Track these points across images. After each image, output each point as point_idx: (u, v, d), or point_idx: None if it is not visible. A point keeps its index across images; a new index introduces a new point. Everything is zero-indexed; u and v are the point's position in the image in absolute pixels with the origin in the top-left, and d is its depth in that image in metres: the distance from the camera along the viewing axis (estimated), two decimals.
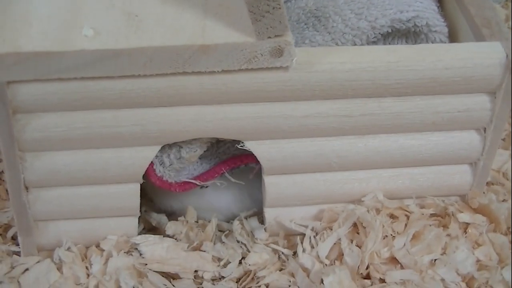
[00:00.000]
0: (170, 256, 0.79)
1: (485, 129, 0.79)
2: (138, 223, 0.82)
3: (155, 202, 0.88)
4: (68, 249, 0.79)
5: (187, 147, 0.78)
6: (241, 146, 0.76)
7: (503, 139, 0.98)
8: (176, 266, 0.79)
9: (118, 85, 0.69)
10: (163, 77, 0.69)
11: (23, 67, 0.66)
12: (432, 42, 0.81)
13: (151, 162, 0.77)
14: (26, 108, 0.70)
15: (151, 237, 0.81)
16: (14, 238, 0.83)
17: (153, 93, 0.70)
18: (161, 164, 0.79)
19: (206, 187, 0.85)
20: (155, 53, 0.67)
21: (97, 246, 0.81)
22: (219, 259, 0.81)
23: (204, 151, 0.80)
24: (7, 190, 0.77)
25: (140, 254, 0.80)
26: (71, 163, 0.74)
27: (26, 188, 0.76)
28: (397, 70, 0.72)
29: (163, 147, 0.77)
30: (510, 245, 0.80)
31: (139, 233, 0.82)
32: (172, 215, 0.88)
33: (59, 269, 0.78)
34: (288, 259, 0.81)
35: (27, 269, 0.79)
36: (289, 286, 0.78)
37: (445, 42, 0.82)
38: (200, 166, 0.83)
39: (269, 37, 0.67)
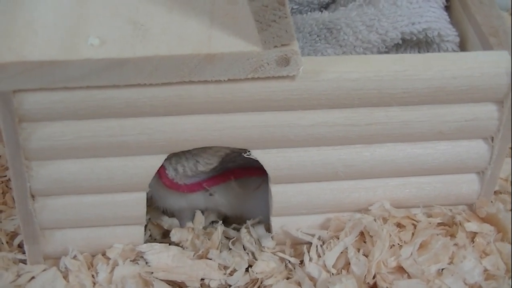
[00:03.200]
0: (176, 264, 0.79)
1: (492, 138, 0.79)
2: (145, 230, 0.82)
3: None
4: (74, 257, 0.79)
5: (204, 162, 0.78)
6: (247, 154, 0.76)
7: (511, 148, 0.97)
8: (182, 275, 0.78)
9: (124, 94, 0.69)
10: (169, 86, 0.69)
11: (29, 76, 0.66)
12: (444, 52, 0.81)
13: (162, 164, 0.78)
14: (32, 117, 0.70)
15: (157, 245, 0.81)
16: (20, 246, 0.83)
17: (159, 102, 0.70)
18: (174, 170, 0.80)
19: (211, 195, 0.85)
20: (161, 62, 0.67)
21: (103, 254, 0.80)
22: (226, 267, 0.81)
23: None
24: (13, 198, 0.76)
25: (146, 263, 0.80)
26: (77, 172, 0.74)
27: (32, 196, 0.76)
28: (403, 79, 0.72)
29: (178, 157, 0.78)
30: None
31: (146, 241, 0.82)
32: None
33: (65, 277, 0.78)
34: (295, 268, 0.80)
35: (33, 277, 0.78)
36: None
37: (456, 51, 0.82)
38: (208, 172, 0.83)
39: (276, 46, 0.67)
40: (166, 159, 0.77)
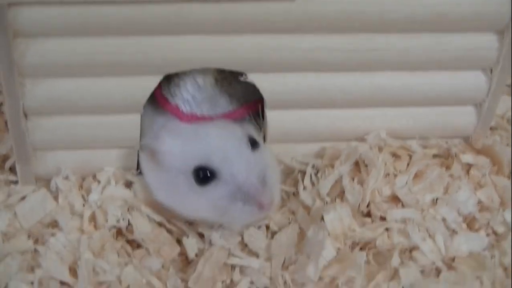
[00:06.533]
0: None
1: (491, 70, 0.78)
2: None
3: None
4: (66, 177, 0.79)
5: (200, 75, 0.77)
6: (244, 78, 0.75)
7: (508, 86, 0.97)
8: (166, 215, 0.78)
9: (122, 11, 0.68)
10: (168, 4, 0.68)
11: None
12: None
13: (176, 105, 0.77)
14: (27, 32, 0.69)
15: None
16: (12, 170, 0.82)
17: (157, 20, 0.69)
18: (185, 102, 0.78)
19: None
20: None
21: (94, 177, 0.80)
22: None
23: (233, 91, 0.80)
24: (6, 122, 0.75)
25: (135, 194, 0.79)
26: (72, 91, 0.73)
27: (25, 115, 0.75)
28: (406, 3, 0.71)
29: (178, 85, 0.77)
30: None
31: None
32: None
33: (55, 198, 0.78)
34: (289, 197, 0.80)
35: (23, 198, 0.78)
36: (289, 223, 0.77)
37: None
38: (231, 105, 0.80)
39: None
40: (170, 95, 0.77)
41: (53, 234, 0.75)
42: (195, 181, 0.72)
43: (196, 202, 0.73)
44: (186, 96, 0.77)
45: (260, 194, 0.71)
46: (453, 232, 0.75)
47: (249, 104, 0.80)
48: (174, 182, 0.74)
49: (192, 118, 0.77)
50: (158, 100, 0.79)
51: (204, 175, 0.72)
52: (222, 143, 0.73)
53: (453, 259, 0.74)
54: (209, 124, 0.77)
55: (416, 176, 0.78)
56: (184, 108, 0.77)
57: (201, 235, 0.78)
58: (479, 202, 0.78)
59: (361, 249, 0.74)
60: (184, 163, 0.73)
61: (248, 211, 0.72)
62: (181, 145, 0.74)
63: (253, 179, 0.71)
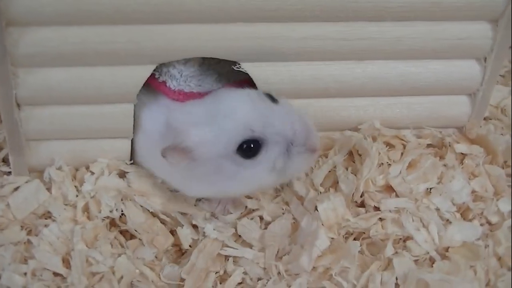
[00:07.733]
0: (155, 192, 0.78)
1: (485, 59, 0.78)
2: None
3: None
4: (60, 168, 0.78)
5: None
6: (237, 67, 0.74)
7: (503, 76, 0.96)
8: (159, 205, 0.78)
9: (115, 0, 0.68)
10: None
11: None
12: None
13: (163, 81, 0.76)
14: (20, 21, 0.68)
15: (141, 170, 0.80)
16: (5, 161, 0.82)
17: (149, 8, 0.69)
18: (172, 79, 0.76)
19: None
20: None
21: (87, 168, 0.80)
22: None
23: (221, 69, 0.78)
24: None
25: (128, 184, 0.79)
26: (65, 80, 0.73)
27: (18, 105, 0.74)
28: None
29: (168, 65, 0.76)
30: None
31: None
32: None
33: (49, 189, 0.78)
34: (282, 187, 0.80)
35: (16, 189, 0.78)
36: (283, 213, 0.77)
37: None
38: (219, 83, 0.78)
39: None
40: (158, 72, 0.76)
41: (46, 225, 0.75)
42: (242, 157, 0.70)
43: (249, 177, 0.71)
44: (173, 71, 0.77)
45: (311, 138, 0.70)
46: (447, 221, 0.75)
47: (237, 82, 0.80)
48: (216, 170, 0.71)
49: (180, 95, 0.76)
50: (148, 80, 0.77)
51: (249, 148, 0.69)
52: (250, 109, 0.70)
53: (446, 249, 0.74)
54: (221, 97, 0.73)
55: (410, 165, 0.78)
56: (172, 84, 0.76)
57: (194, 226, 0.78)
58: (473, 191, 0.78)
59: (355, 239, 0.74)
60: (222, 146, 0.70)
61: (305, 159, 0.71)
62: (210, 131, 0.70)
63: (298, 128, 0.70)
